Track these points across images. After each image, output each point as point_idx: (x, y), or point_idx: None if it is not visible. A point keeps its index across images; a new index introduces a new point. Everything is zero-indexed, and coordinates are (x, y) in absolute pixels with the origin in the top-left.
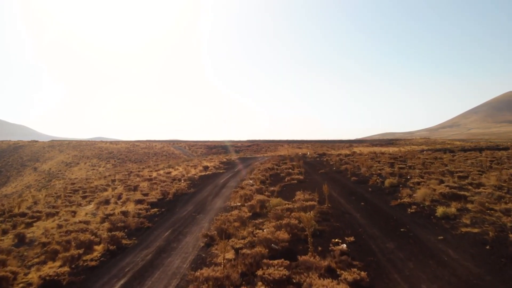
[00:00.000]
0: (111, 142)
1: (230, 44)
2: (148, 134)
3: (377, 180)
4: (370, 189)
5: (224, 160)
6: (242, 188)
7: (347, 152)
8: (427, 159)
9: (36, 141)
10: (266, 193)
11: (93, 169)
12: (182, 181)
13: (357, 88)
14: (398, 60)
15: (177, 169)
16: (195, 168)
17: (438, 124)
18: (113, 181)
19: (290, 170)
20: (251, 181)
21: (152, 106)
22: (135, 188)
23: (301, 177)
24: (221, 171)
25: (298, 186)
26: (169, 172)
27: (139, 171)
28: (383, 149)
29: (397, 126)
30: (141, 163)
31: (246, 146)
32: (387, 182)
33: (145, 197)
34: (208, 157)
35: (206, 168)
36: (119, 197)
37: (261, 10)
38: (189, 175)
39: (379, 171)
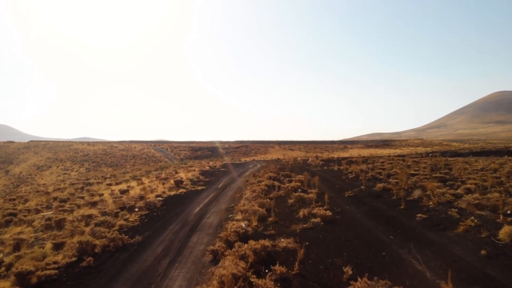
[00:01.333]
0: (89, 144)
1: (217, 43)
2: (135, 134)
3: (474, 223)
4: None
5: (207, 168)
6: (227, 237)
7: (348, 155)
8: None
9: (12, 142)
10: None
11: (65, 174)
12: (136, 209)
13: (344, 89)
14: (385, 60)
15: (142, 182)
16: (164, 183)
17: (425, 124)
18: (54, 199)
19: (300, 192)
20: (243, 224)
21: (140, 106)
22: (53, 226)
23: (327, 213)
24: (199, 187)
25: (329, 238)
26: (127, 190)
27: (98, 182)
28: (381, 151)
29: (384, 127)
30: (117, 167)
31: (234, 148)
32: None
33: (39, 263)
34: (188, 163)
35: (179, 183)
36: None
37: (247, 9)
38: (150, 197)
39: (449, 197)
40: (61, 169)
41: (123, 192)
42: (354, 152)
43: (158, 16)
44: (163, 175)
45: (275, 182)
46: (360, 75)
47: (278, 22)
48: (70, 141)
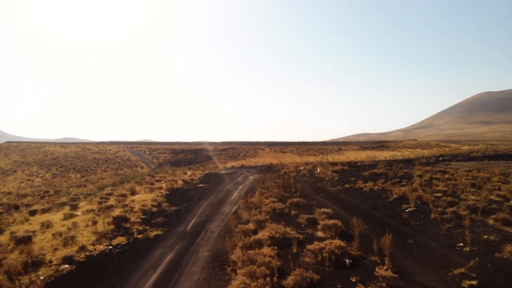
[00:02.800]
0: (62, 145)
1: (202, 43)
2: (121, 134)
3: None
4: None
5: (180, 183)
6: None
7: (345, 157)
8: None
9: None
10: None
11: (28, 180)
12: None
13: (331, 89)
14: (371, 60)
15: (72, 214)
16: (101, 216)
17: (412, 124)
18: None
19: (337, 251)
20: None
21: (126, 106)
22: None
23: None
24: (152, 232)
25: None
26: (31, 235)
27: (27, 204)
28: (379, 153)
29: (370, 127)
30: (86, 172)
31: (221, 150)
32: None
33: None
34: (159, 173)
35: (122, 221)
36: None
37: (234, 9)
38: (58, 262)
39: None
40: (26, 174)
41: (20, 242)
42: (350, 155)
43: (148, 10)
44: (111, 200)
45: (286, 228)
46: (347, 75)
47: (265, 21)
48: (44, 142)
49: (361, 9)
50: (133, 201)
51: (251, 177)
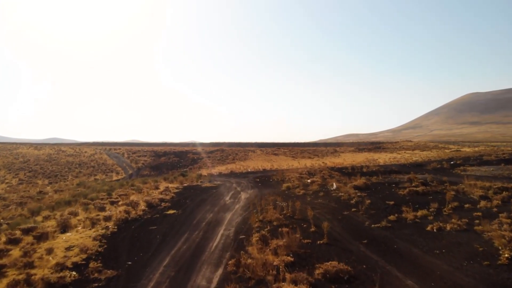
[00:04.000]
0: (36, 147)
1: (188, 42)
2: (109, 134)
3: None
4: None
5: (141, 208)
6: None
7: (341, 160)
8: None
9: None
10: None
11: None
12: None
13: (320, 89)
14: (359, 60)
15: None
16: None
17: (400, 125)
18: None
19: None
20: None
21: (115, 106)
22: None
23: None
24: None
25: None
26: None
27: None
28: (378, 156)
29: (359, 127)
30: (56, 178)
31: (208, 152)
32: None
33: None
34: (123, 188)
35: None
36: None
37: (222, 7)
38: None
39: None
40: None
41: None
42: (348, 157)
43: (135, 8)
44: (14, 252)
45: None
46: (336, 75)
47: (253, 20)
48: (21, 143)
49: (350, 9)
50: (49, 251)
51: (243, 196)
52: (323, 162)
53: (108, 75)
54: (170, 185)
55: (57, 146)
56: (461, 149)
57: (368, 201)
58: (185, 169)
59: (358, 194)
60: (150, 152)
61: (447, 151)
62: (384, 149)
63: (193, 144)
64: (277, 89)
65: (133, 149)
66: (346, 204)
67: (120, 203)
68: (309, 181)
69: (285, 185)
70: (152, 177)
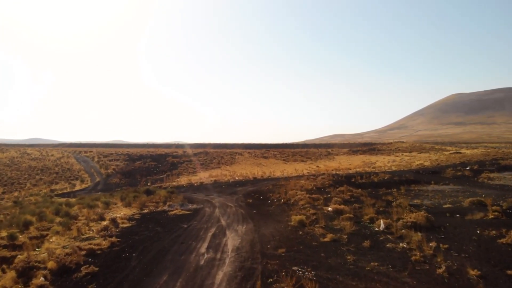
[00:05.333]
0: (1, 150)
1: (171, 41)
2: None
3: None
4: None
5: (75, 258)
6: None
7: (337, 164)
8: None
9: None
10: None
11: None
12: None
13: (305, 88)
14: (344, 61)
15: None
16: None
17: (386, 125)
18: None
19: None
20: None
21: (99, 106)
22: None
23: None
24: None
25: None
26: None
27: None
28: (375, 159)
29: (345, 127)
30: (12, 186)
31: (191, 155)
32: None
33: None
34: (62, 212)
35: None
36: None
37: (207, 7)
38: None
39: None
40: None
41: None
42: (343, 161)
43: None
44: None
45: None
46: (321, 76)
47: (239, 20)
48: None
49: (336, 10)
50: None
51: (230, 242)
52: (317, 166)
53: (94, 74)
54: (123, 212)
55: (23, 149)
56: (461, 151)
57: (473, 272)
58: (161, 176)
59: (430, 244)
60: (124, 156)
61: (446, 153)
62: (379, 151)
63: (177, 145)
64: (263, 89)
65: (105, 151)
66: (429, 276)
67: (17, 259)
68: (330, 209)
69: (294, 217)
70: (108, 193)
